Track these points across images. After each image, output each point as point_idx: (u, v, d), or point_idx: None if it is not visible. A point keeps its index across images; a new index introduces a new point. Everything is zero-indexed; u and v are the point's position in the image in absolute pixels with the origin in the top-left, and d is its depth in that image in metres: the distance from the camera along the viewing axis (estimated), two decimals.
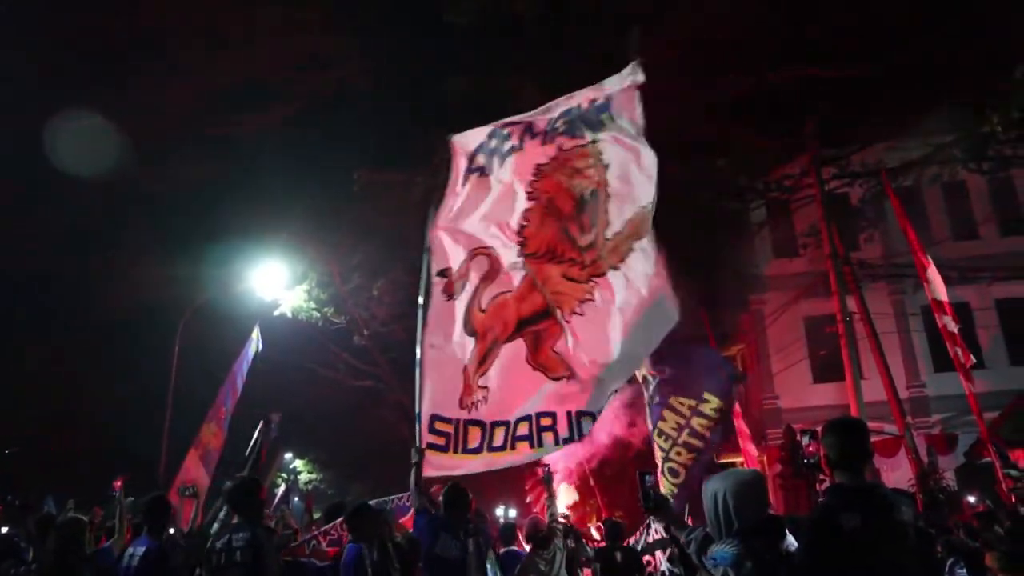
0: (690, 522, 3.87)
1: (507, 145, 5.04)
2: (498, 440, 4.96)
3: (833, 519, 2.81)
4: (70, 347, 23.56)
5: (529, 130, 4.99)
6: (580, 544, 7.09)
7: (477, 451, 4.97)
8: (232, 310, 16.89)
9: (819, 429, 3.34)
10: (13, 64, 18.54)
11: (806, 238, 17.27)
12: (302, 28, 22.06)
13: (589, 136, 4.90)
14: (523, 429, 4.98)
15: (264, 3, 21.28)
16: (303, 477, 28.30)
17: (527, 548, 7.17)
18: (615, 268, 4.87)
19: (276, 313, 17.24)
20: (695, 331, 14.58)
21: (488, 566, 6.23)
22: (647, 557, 7.98)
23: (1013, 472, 8.92)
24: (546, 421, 4.95)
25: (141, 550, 4.75)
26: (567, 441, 4.94)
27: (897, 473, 12.81)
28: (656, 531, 7.86)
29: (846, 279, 14.15)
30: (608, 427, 13.15)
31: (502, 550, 7.48)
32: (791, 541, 2.98)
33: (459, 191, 5.12)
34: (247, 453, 5.70)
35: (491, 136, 5.08)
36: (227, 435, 11.15)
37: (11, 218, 21.16)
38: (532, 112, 5.07)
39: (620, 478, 14.03)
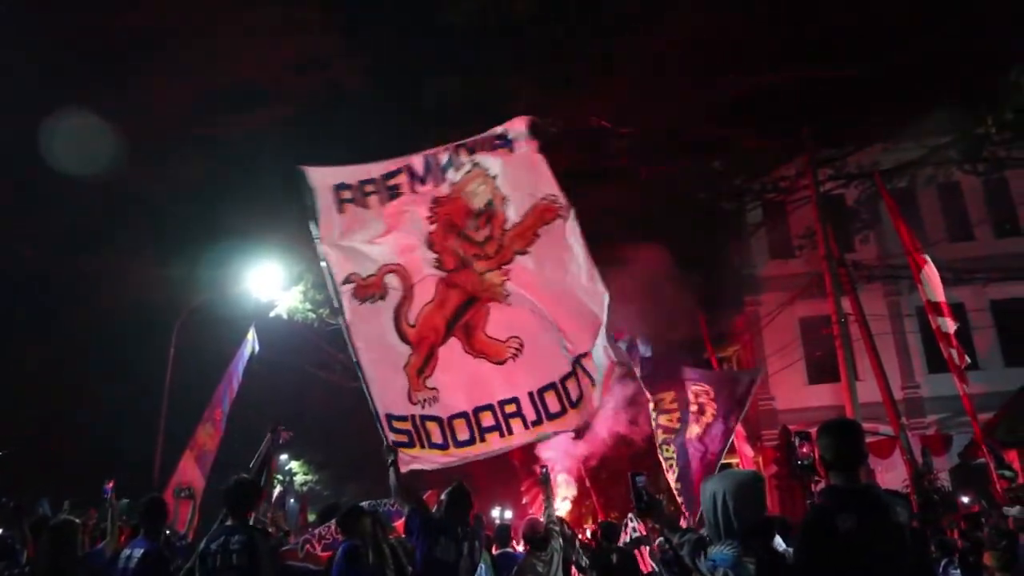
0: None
1: (395, 192, 5.25)
2: (463, 434, 5.10)
3: (828, 520, 2.81)
4: (66, 348, 23.48)
5: (416, 177, 5.23)
6: (570, 545, 7.08)
7: (443, 447, 5.11)
8: (228, 311, 16.85)
9: (813, 431, 3.34)
10: (12, 64, 18.48)
11: (802, 239, 17.32)
12: (301, 28, 22.08)
13: (470, 163, 5.22)
14: (488, 419, 5.10)
15: (263, 3, 21.28)
16: (299, 478, 28.26)
17: (520, 549, 7.17)
18: (523, 252, 5.16)
19: (272, 314, 17.18)
20: (691, 332, 14.63)
21: (482, 567, 6.22)
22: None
23: (1007, 473, 8.97)
24: (510, 408, 5.07)
25: (139, 552, 4.72)
26: (537, 424, 5.04)
27: (892, 474, 12.86)
28: (634, 528, 7.96)
29: (841, 280, 14.19)
30: (606, 425, 13.19)
31: (497, 551, 7.48)
32: (778, 541, 2.99)
33: (340, 215, 5.24)
34: (252, 464, 5.66)
35: (365, 182, 5.23)
36: (222, 436, 11.14)
37: (7, 218, 21.08)
38: (408, 156, 5.28)
39: (616, 479, 14.05)
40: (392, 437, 5.11)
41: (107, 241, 24.92)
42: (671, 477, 9.03)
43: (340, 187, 5.19)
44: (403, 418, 5.13)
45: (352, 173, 5.25)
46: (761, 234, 20.30)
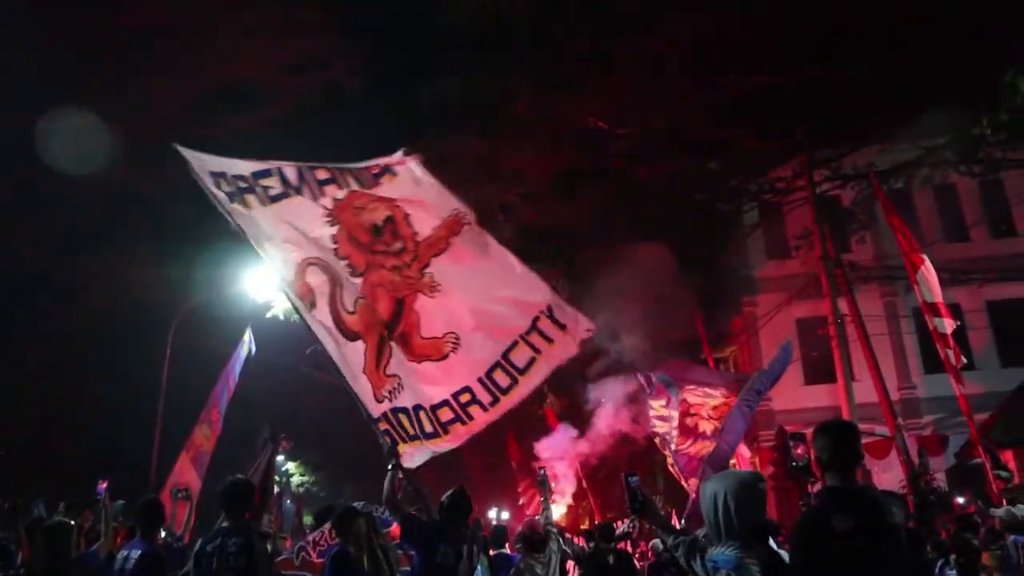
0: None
1: (272, 192, 5.16)
2: (428, 427, 5.26)
3: (824, 521, 2.81)
4: (66, 348, 23.42)
5: (290, 185, 5.14)
6: (560, 538, 7.09)
7: (416, 438, 5.28)
8: (224, 312, 16.83)
9: (808, 432, 3.35)
10: (12, 64, 18.44)
11: (799, 240, 17.34)
12: (300, 29, 22.06)
13: (358, 187, 5.20)
14: (447, 414, 5.26)
15: (263, 3, 21.26)
16: (295, 479, 28.22)
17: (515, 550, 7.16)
18: (439, 254, 5.30)
19: (268, 315, 17.17)
20: (689, 332, 14.65)
21: (479, 570, 6.21)
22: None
23: (1003, 473, 8.99)
24: (465, 397, 5.24)
25: (136, 553, 4.69)
26: (494, 404, 5.22)
27: (888, 475, 12.86)
28: (624, 525, 8.00)
29: (838, 281, 14.21)
30: (606, 423, 13.19)
31: (493, 553, 7.47)
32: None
33: (241, 209, 5.17)
34: (251, 473, 5.65)
35: (237, 177, 5.13)
36: (219, 436, 11.13)
37: (7, 218, 21.00)
38: (278, 161, 5.20)
39: (614, 480, 14.05)
40: (385, 440, 5.24)
41: (106, 241, 24.87)
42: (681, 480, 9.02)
43: (218, 176, 5.10)
44: (378, 419, 5.27)
45: (224, 164, 5.15)
46: (758, 235, 20.31)
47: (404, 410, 5.27)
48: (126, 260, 23.00)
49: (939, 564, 6.44)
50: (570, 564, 7.51)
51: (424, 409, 5.26)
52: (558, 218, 17.70)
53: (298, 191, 5.12)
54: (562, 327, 5.17)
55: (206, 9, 20.95)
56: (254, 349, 11.90)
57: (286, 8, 21.14)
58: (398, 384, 5.28)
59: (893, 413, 13.02)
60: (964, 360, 10.12)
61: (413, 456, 5.32)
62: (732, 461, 11.94)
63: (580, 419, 14.26)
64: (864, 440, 3.54)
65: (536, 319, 5.15)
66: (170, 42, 22.76)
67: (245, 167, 5.12)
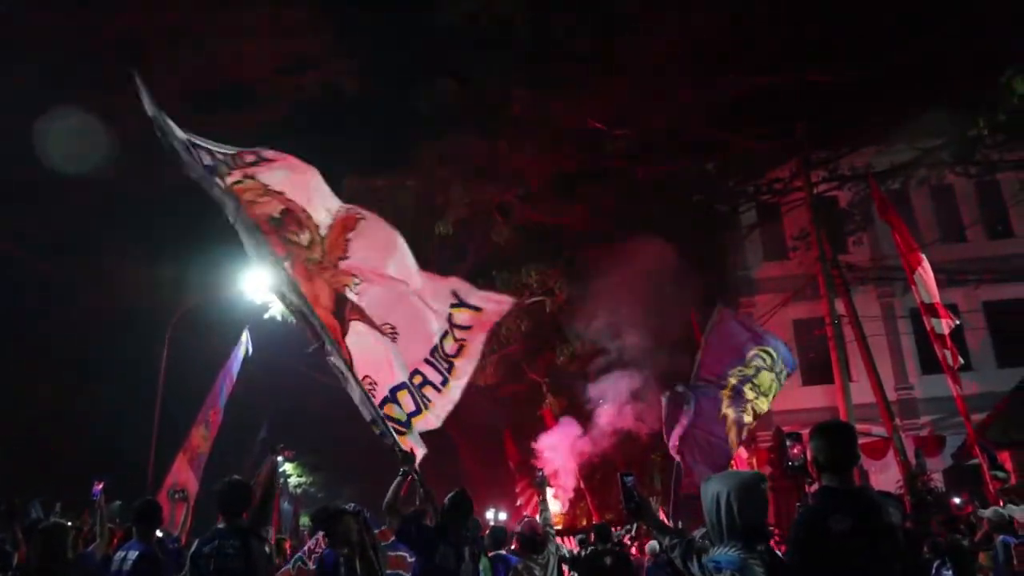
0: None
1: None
2: (410, 406, 5.41)
3: (822, 521, 2.81)
4: (62, 348, 23.40)
5: (180, 160, 4.84)
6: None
7: (407, 425, 5.38)
8: (222, 313, 16.81)
9: (804, 432, 3.35)
10: (10, 64, 18.43)
11: (796, 241, 17.36)
12: (300, 29, 22.07)
13: (240, 174, 5.05)
14: (414, 393, 5.46)
15: (263, 4, 21.27)
16: (292, 480, 28.18)
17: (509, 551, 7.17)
18: (344, 257, 5.40)
19: (266, 316, 17.15)
20: (686, 333, 14.67)
21: (480, 573, 6.20)
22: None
23: (1000, 473, 9.02)
24: (417, 379, 5.50)
25: (134, 554, 4.69)
26: (445, 383, 5.52)
27: (886, 475, 12.90)
28: (619, 531, 8.04)
29: (835, 282, 14.23)
30: (608, 421, 13.21)
31: (491, 554, 7.47)
32: None
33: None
34: (253, 482, 5.64)
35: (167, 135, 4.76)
36: (217, 437, 11.12)
37: (7, 218, 20.98)
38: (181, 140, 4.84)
39: (612, 480, 14.09)
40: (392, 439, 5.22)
41: (100, 243, 24.85)
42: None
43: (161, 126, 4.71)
44: (372, 421, 5.22)
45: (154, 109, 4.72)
46: (755, 236, 20.32)
47: (386, 400, 5.34)
48: (125, 260, 23.00)
49: (936, 565, 6.46)
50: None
51: (407, 386, 5.38)
52: (558, 218, 17.73)
53: (192, 170, 4.76)
54: (476, 309, 5.43)
55: (205, 9, 20.97)
56: (251, 350, 11.89)
57: (285, 9, 21.18)
58: (371, 384, 5.31)
59: (890, 414, 13.05)
60: (961, 361, 10.14)
61: (415, 448, 5.33)
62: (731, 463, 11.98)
63: (580, 417, 14.28)
64: (861, 441, 3.55)
65: (448, 316, 5.44)
66: (169, 42, 22.76)
67: (161, 123, 4.73)
